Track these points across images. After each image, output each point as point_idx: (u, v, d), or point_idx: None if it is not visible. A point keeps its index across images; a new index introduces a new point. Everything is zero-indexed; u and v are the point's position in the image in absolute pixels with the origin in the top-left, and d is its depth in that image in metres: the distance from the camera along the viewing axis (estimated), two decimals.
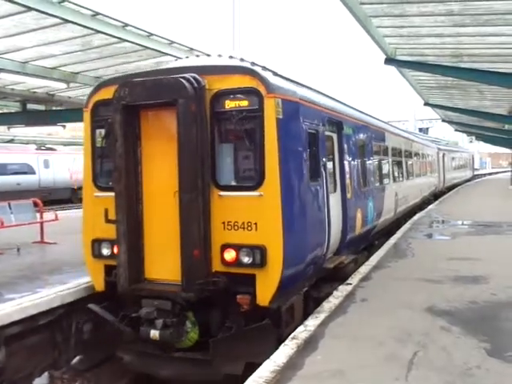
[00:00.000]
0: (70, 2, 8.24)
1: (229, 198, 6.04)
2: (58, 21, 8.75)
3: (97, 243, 6.74)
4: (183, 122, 5.83)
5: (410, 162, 16.86)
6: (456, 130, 40.09)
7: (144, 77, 6.26)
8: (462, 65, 12.93)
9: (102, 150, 6.87)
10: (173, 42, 10.67)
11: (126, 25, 9.46)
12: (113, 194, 6.28)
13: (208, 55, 7.87)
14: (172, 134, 6.04)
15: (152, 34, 10.10)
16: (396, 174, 14.01)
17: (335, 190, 8.17)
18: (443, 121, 31.46)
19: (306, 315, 6.35)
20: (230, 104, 6.01)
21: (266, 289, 5.86)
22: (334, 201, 7.90)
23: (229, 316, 6.08)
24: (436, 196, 25.05)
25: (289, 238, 5.91)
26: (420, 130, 64.40)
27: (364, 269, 8.50)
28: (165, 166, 6.22)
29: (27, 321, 6.42)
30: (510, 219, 14.72)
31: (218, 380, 5.94)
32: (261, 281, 5.87)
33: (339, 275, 7.87)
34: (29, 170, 27.60)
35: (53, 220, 11.68)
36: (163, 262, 6.23)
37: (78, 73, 12.94)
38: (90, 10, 8.66)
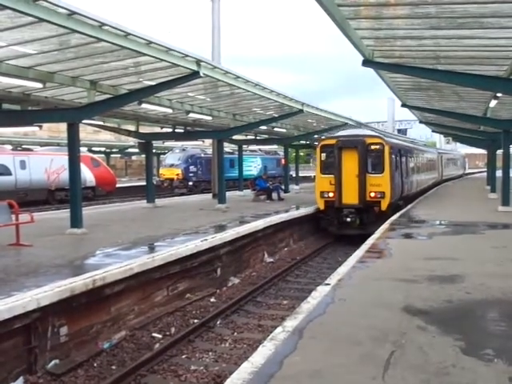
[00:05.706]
0: (45, 1, 8.03)
1: (372, 176, 18.14)
2: (33, 19, 8.55)
3: (322, 192, 18.79)
4: (360, 153, 18.07)
5: (422, 163, 28.39)
6: (433, 131, 40.55)
7: (345, 138, 18.85)
8: (439, 67, 13.09)
9: (324, 161, 18.99)
10: (151, 42, 10.55)
11: (103, 24, 9.29)
12: (329, 175, 18.47)
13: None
14: (354, 156, 18.00)
15: (129, 34, 9.93)
16: (416, 170, 25.49)
17: (399, 175, 20.00)
18: (421, 122, 31.82)
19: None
20: (372, 147, 18.32)
21: (384, 205, 17.97)
22: (400, 179, 20.09)
23: (370, 215, 18.00)
24: (435, 184, 33.89)
25: (392, 190, 18.30)
26: (399, 131, 65.12)
27: (342, 269, 8.55)
28: (350, 166, 18.06)
29: (1, 325, 6.31)
30: (485, 219, 15.02)
31: (368, 233, 13.03)
32: (383, 202, 18.00)
33: (398, 209, 18.38)
34: (4, 171, 27.13)
35: (29, 222, 11.49)
36: (350, 197, 18.07)
37: (54, 72, 12.72)
38: (66, 8, 8.46)
